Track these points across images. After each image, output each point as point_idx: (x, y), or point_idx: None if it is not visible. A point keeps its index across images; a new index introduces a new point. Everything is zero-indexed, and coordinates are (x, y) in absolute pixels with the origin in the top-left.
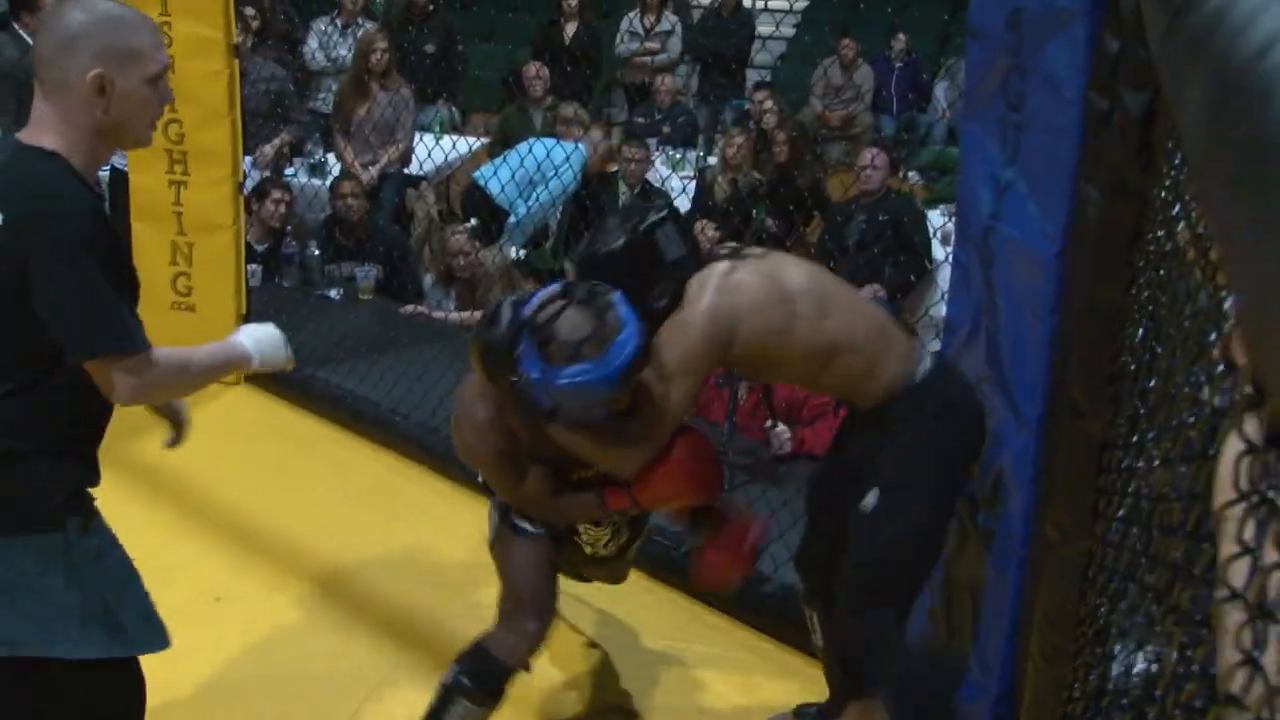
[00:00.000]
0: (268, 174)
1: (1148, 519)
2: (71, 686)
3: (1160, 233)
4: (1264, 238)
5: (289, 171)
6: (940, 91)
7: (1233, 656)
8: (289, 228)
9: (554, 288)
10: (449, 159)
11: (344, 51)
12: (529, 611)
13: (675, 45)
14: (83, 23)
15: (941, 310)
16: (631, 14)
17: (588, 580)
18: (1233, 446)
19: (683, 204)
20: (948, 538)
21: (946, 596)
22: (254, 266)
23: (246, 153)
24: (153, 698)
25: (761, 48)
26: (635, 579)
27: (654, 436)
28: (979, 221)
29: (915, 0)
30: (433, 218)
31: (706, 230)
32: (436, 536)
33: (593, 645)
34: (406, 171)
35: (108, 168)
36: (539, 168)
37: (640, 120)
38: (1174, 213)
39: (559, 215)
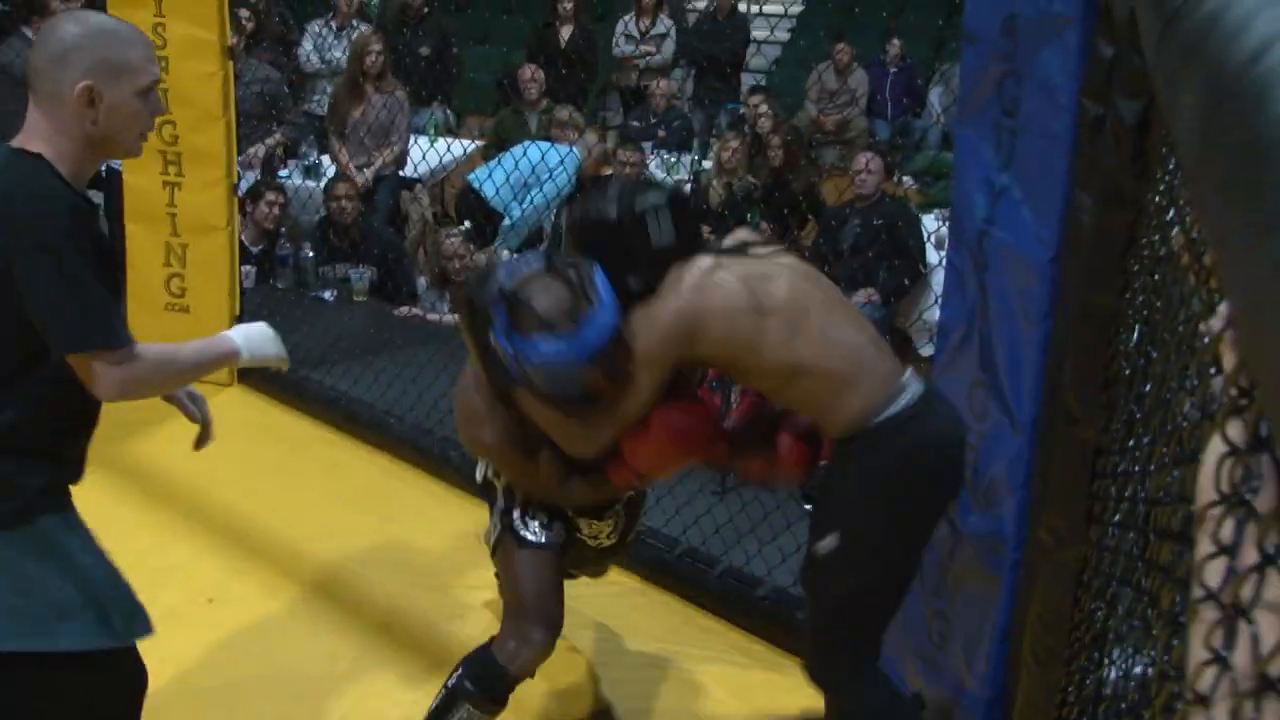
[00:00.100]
0: (256, 175)
1: (1143, 523)
2: (65, 681)
3: (1154, 238)
4: (1257, 242)
5: (283, 173)
6: (935, 96)
7: (1201, 655)
8: (283, 229)
9: (537, 257)
10: (444, 162)
11: (338, 54)
12: (535, 621)
13: (669, 48)
14: (76, 35)
15: (935, 314)
16: (627, 17)
17: (574, 577)
18: (1216, 449)
19: None
20: (908, 583)
21: (941, 599)
22: (248, 268)
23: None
24: (147, 699)
25: (756, 52)
26: (628, 582)
27: (612, 422)
28: (973, 226)
29: (910, 5)
30: (427, 220)
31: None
32: (431, 538)
33: (585, 649)
34: (401, 174)
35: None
36: (534, 170)
37: (635, 124)
38: (1168, 218)
39: (553, 218)
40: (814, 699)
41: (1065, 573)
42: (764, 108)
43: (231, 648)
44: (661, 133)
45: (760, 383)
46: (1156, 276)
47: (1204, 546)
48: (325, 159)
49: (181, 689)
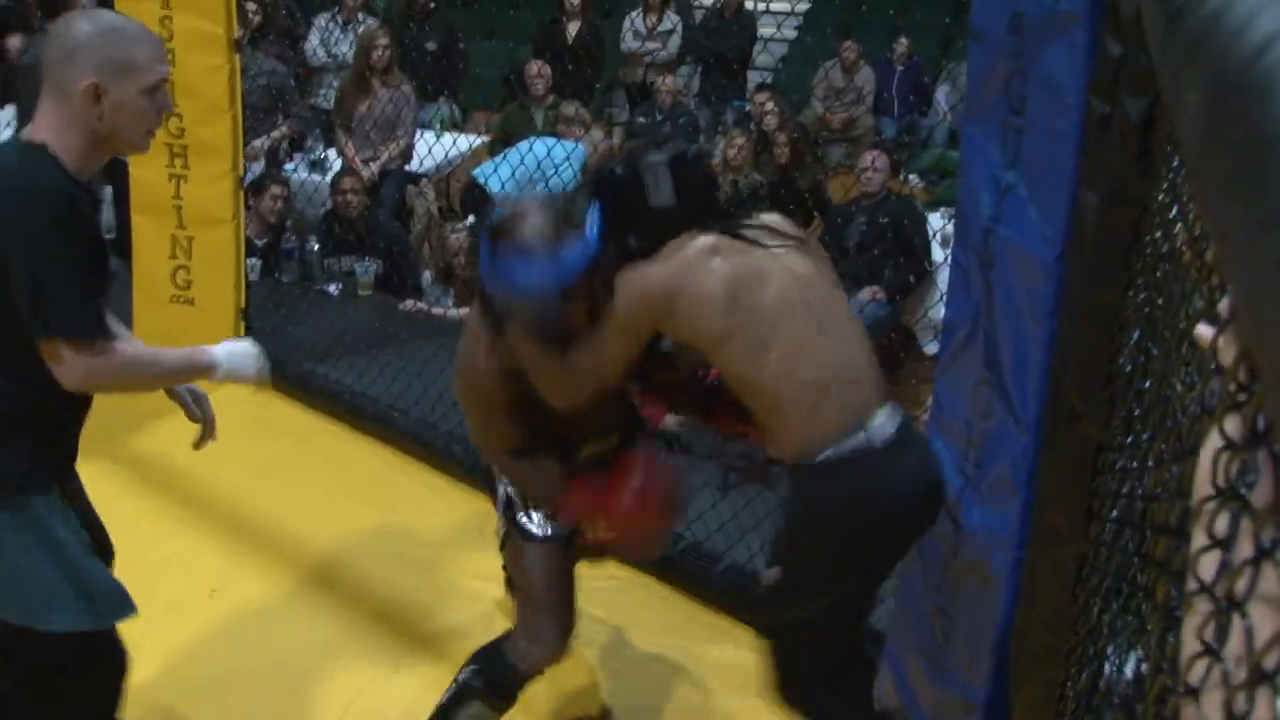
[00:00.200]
0: (260, 168)
1: (1141, 519)
2: (50, 659)
3: (1158, 235)
4: (1259, 238)
5: (289, 167)
6: (942, 94)
7: (1194, 648)
8: (289, 223)
9: (535, 194)
10: (449, 157)
11: (345, 48)
12: (547, 621)
13: (676, 44)
14: (86, 33)
15: (940, 312)
16: (634, 13)
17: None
18: (1213, 444)
19: None
20: (855, 617)
21: (944, 597)
22: (253, 261)
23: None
24: (149, 689)
25: (763, 49)
26: (630, 576)
27: (588, 375)
28: (979, 224)
29: (917, 3)
30: (433, 214)
31: None
32: (433, 531)
33: (588, 643)
34: (407, 168)
35: None
36: (539, 166)
37: (641, 120)
38: (1171, 216)
39: None
40: None
41: (1065, 570)
42: (770, 105)
43: (233, 639)
44: (667, 129)
45: (728, 382)
46: (1159, 274)
47: (1199, 540)
48: (331, 153)
49: (183, 680)
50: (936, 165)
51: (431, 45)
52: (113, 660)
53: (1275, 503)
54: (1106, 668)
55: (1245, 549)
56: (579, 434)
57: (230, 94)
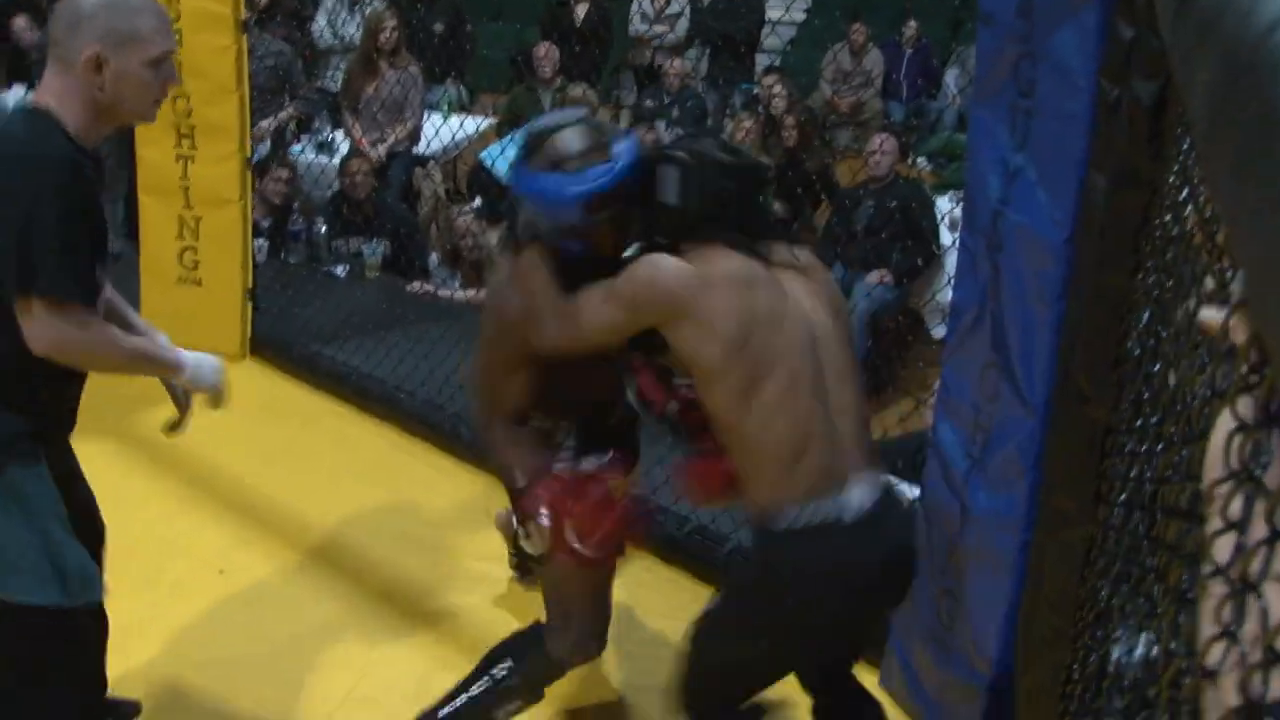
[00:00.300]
0: (266, 149)
1: (1151, 502)
2: (24, 635)
3: (1167, 218)
4: (1270, 216)
5: (296, 148)
6: (950, 78)
7: (1211, 630)
8: (295, 204)
9: (578, 112)
10: (456, 139)
11: (352, 29)
12: (590, 629)
13: (684, 27)
14: (91, 5)
15: (948, 295)
16: None
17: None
18: (1225, 425)
19: None
20: (770, 680)
21: (949, 579)
22: (260, 242)
23: None
24: (155, 668)
25: (771, 32)
26: (638, 559)
27: (571, 319)
28: (987, 207)
29: None
30: (440, 197)
31: None
32: (439, 511)
33: None
34: (415, 151)
35: None
36: None
37: (649, 103)
38: (1181, 198)
39: None
40: None
41: (1073, 552)
42: (778, 88)
43: (240, 618)
44: (675, 112)
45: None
46: (1168, 256)
47: (1214, 522)
48: (338, 134)
49: (190, 658)
50: (945, 149)
51: (439, 27)
52: (88, 640)
53: None
54: (1115, 651)
55: (1260, 530)
56: (570, 406)
57: (237, 74)
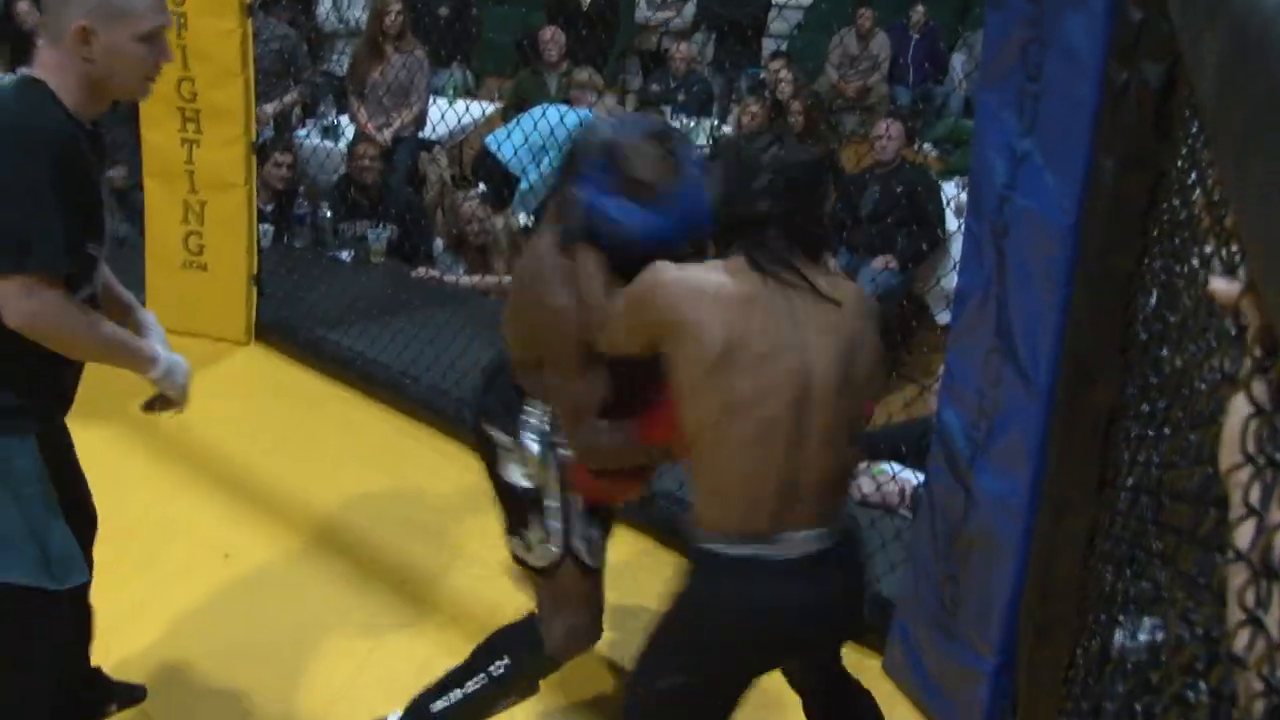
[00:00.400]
0: (269, 133)
1: (1156, 486)
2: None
3: (1175, 201)
4: (1277, 192)
5: (301, 133)
6: (957, 63)
7: (1236, 616)
8: (301, 189)
9: (659, 123)
10: (462, 123)
11: (358, 13)
12: (588, 628)
13: (690, 11)
14: None
15: (953, 281)
16: None
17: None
18: (1240, 409)
19: None
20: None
21: (953, 564)
22: (265, 227)
23: None
24: (156, 651)
25: (778, 16)
26: (638, 543)
27: (603, 319)
28: (993, 191)
29: None
30: (445, 182)
31: None
32: (444, 497)
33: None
34: (420, 135)
35: None
36: (552, 133)
37: (655, 87)
38: (1189, 182)
39: None
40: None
41: (1077, 537)
42: (785, 73)
43: (243, 602)
44: (681, 97)
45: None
46: (1176, 240)
47: (1235, 509)
48: (344, 119)
49: (192, 642)
50: (951, 134)
51: (445, 11)
52: (64, 623)
53: None
54: (1118, 635)
55: (1277, 515)
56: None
57: (242, 58)
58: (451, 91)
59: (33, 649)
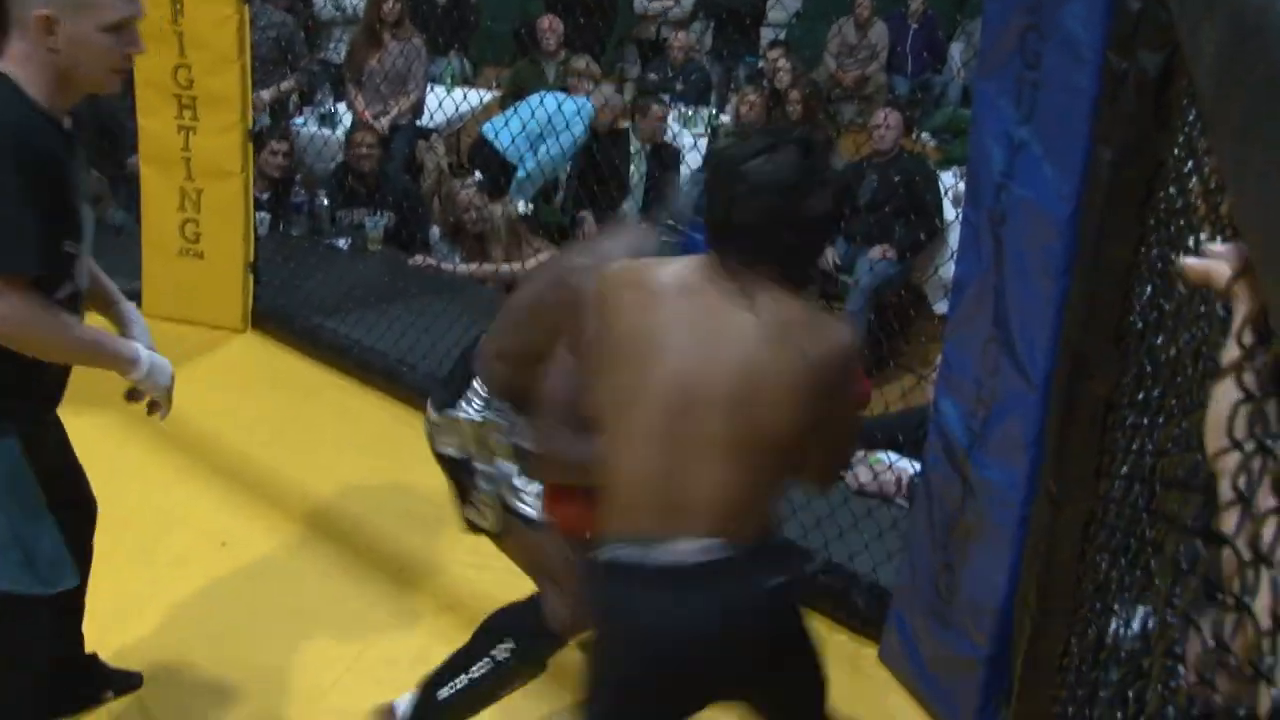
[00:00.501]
0: (265, 121)
1: (1150, 474)
2: None
3: (1172, 190)
4: (1276, 179)
5: (298, 120)
6: (956, 52)
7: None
8: (298, 177)
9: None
10: (459, 111)
11: (355, 0)
12: (579, 595)
13: (689, 0)
14: None
15: (950, 271)
16: None
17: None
18: (1228, 393)
19: (694, 159)
20: None
21: (950, 553)
22: (262, 214)
23: None
24: (155, 639)
25: (776, 4)
26: None
27: None
28: (990, 180)
29: None
30: (443, 170)
31: None
32: (440, 485)
33: None
34: (418, 123)
35: None
36: (550, 121)
37: (653, 76)
38: (1186, 170)
39: (568, 170)
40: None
41: (1073, 526)
42: (783, 62)
43: (240, 591)
44: (679, 86)
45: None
46: (1172, 229)
47: (1224, 495)
48: (341, 107)
49: (190, 631)
50: (949, 124)
51: None
52: (49, 625)
53: None
54: (1113, 623)
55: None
56: None
57: (239, 44)
58: (449, 79)
59: (20, 652)
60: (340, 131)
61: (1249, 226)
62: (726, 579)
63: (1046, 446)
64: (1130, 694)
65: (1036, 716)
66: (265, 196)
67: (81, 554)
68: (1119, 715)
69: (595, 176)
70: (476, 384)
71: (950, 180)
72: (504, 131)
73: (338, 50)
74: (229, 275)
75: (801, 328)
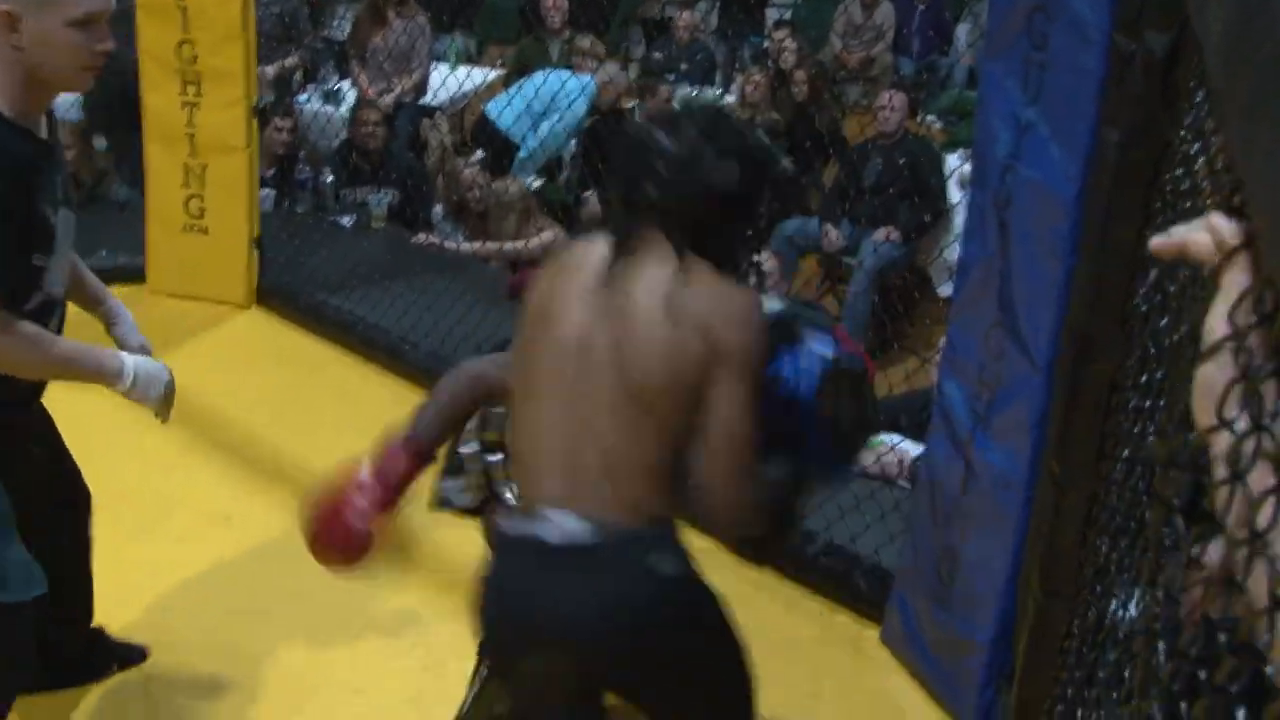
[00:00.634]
0: (269, 98)
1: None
2: None
3: (1178, 171)
4: None
5: (302, 98)
6: (962, 33)
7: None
8: (302, 154)
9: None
10: (463, 89)
11: None
12: None
13: None
14: None
15: (955, 254)
16: None
17: None
18: (1224, 367)
19: None
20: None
21: (951, 535)
22: (266, 191)
23: None
24: (157, 617)
25: None
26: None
27: None
28: (996, 161)
29: None
30: (446, 148)
31: None
32: (442, 462)
33: None
34: (421, 102)
35: None
36: (554, 99)
37: (657, 56)
38: (1192, 151)
39: (572, 149)
40: (823, 627)
41: (1075, 509)
42: (788, 42)
43: (248, 567)
44: (684, 66)
45: None
46: (1178, 209)
47: (1218, 474)
48: (345, 84)
49: (195, 607)
50: (955, 106)
51: None
52: (25, 633)
53: None
54: (1113, 605)
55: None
56: None
57: (243, 20)
58: (453, 57)
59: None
60: (344, 109)
61: (1256, 205)
62: (607, 561)
63: (1050, 429)
64: (1125, 674)
65: (1038, 699)
66: (270, 173)
67: (82, 545)
68: (1114, 696)
69: (599, 155)
70: None
71: (955, 162)
72: (506, 111)
73: (341, 27)
74: (233, 251)
75: (700, 298)
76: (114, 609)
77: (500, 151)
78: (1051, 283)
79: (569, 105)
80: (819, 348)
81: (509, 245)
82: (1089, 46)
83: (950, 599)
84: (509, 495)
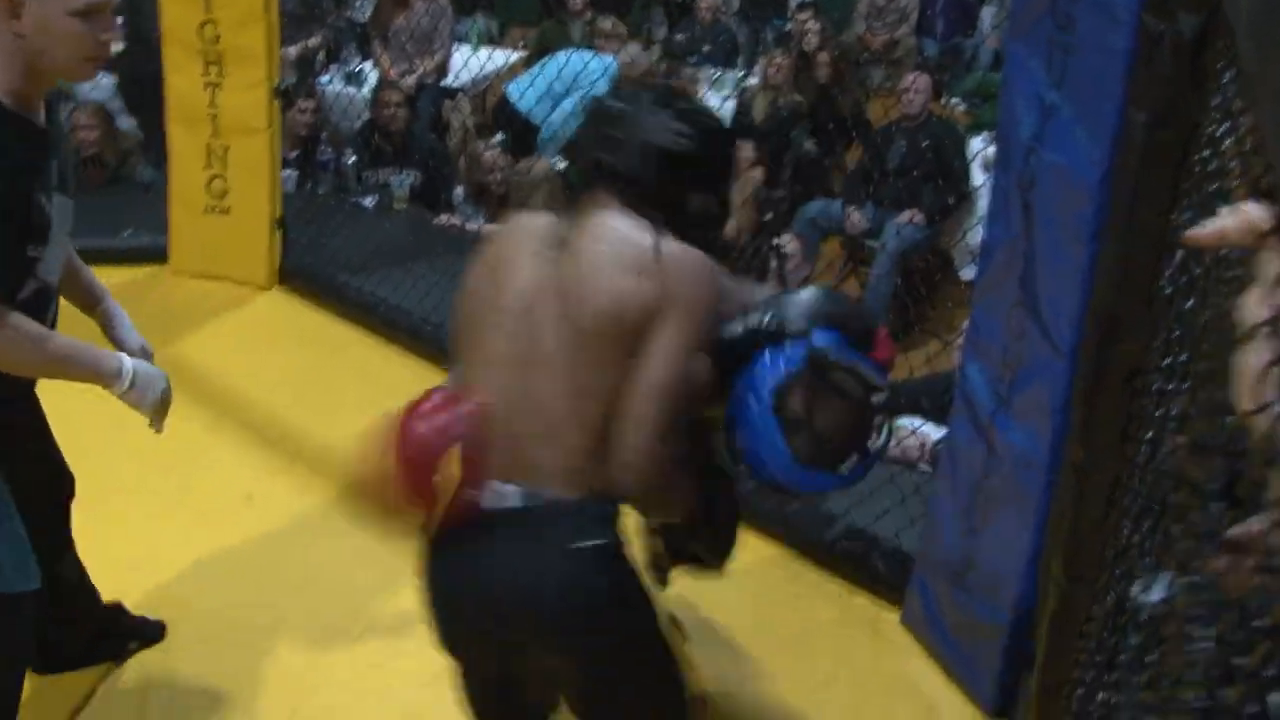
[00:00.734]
0: (291, 79)
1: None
2: None
3: (1206, 153)
4: None
5: (324, 79)
6: (986, 15)
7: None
8: (323, 135)
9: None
10: (485, 71)
11: None
12: None
13: None
14: None
15: (978, 236)
16: None
17: None
18: (1261, 354)
19: None
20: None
21: (973, 518)
22: (288, 172)
23: None
24: (178, 594)
25: None
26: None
27: None
28: (1020, 144)
29: None
30: (468, 129)
31: (744, 150)
32: None
33: None
34: (443, 84)
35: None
36: (575, 80)
37: (680, 38)
38: (1220, 133)
39: None
40: (828, 606)
41: (1098, 492)
42: (812, 24)
43: (268, 545)
44: (707, 47)
45: None
46: (1205, 191)
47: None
48: (367, 65)
49: (216, 585)
50: (979, 88)
51: None
52: (24, 622)
53: None
54: (1134, 588)
55: None
56: None
57: (265, 1)
58: (475, 39)
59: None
60: (366, 90)
61: None
62: (531, 530)
63: (1073, 412)
64: (1147, 660)
65: (1059, 683)
66: (293, 154)
67: (63, 537)
68: (1135, 680)
69: None
70: None
71: (979, 145)
72: (529, 92)
73: (364, 8)
74: (255, 232)
75: (649, 250)
76: (133, 583)
77: (521, 133)
78: (1075, 267)
79: (591, 85)
80: (798, 351)
81: None
82: (1117, 27)
83: (971, 582)
84: None
